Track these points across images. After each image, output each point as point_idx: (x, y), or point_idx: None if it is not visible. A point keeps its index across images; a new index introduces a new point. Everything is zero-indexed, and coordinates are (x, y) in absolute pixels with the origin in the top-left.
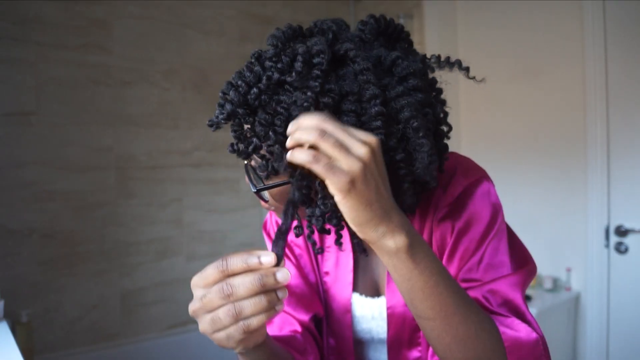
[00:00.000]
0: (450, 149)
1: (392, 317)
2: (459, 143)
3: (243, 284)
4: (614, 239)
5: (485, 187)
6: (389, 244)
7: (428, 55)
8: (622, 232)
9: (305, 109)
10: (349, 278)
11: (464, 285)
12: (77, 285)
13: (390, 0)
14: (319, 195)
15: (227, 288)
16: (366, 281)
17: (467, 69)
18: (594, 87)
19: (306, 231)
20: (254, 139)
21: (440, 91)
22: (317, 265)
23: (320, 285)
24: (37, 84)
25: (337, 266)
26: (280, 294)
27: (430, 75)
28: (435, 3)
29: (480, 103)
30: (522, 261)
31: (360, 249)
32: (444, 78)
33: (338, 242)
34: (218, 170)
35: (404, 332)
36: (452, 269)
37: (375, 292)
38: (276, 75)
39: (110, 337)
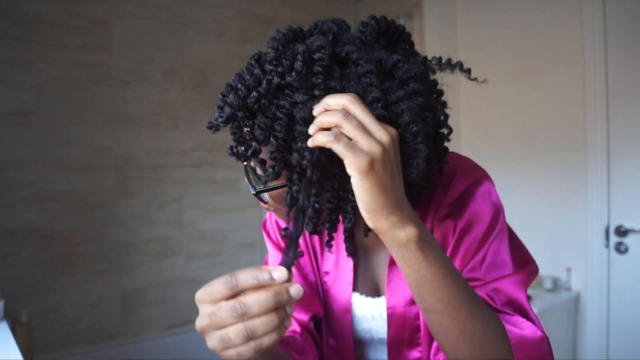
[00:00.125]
0: (450, 149)
1: (392, 317)
2: (459, 143)
3: (257, 302)
4: (614, 239)
5: (486, 187)
6: (399, 234)
7: (429, 57)
8: (622, 232)
9: (308, 107)
10: (349, 278)
11: None
12: (77, 285)
13: (390, 1)
14: (313, 198)
15: (240, 307)
16: (366, 281)
17: (468, 71)
18: (594, 87)
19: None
20: (253, 143)
21: (441, 93)
22: (316, 265)
23: (320, 285)
24: (37, 84)
25: (337, 266)
26: (289, 309)
27: (431, 77)
28: (435, 3)
29: (481, 103)
30: (523, 261)
31: (350, 252)
32: (444, 80)
33: (328, 245)
34: (218, 170)
35: (404, 332)
36: None
37: (375, 292)
38: (276, 79)
39: (110, 337)
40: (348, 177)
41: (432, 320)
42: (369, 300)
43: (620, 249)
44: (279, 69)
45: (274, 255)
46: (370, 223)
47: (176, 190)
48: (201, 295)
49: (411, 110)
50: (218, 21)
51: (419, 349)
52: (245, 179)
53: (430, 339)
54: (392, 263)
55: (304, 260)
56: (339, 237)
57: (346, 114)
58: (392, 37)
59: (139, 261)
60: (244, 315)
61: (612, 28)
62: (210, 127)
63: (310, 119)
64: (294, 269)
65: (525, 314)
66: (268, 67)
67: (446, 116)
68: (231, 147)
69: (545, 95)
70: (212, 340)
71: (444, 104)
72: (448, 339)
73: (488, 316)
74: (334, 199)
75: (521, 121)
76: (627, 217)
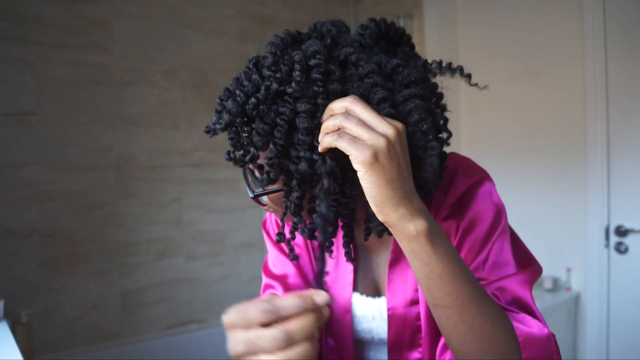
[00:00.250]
0: (451, 150)
1: (392, 317)
2: (459, 143)
3: (301, 330)
4: (614, 239)
5: (487, 187)
6: (409, 226)
7: (429, 61)
8: (622, 232)
9: (310, 117)
10: (349, 278)
11: None
12: (77, 285)
13: (390, 1)
14: (311, 204)
15: (284, 336)
16: (366, 281)
17: (468, 76)
18: (594, 87)
19: (289, 236)
20: (252, 149)
21: (440, 97)
22: (316, 265)
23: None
24: (37, 84)
25: (337, 266)
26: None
27: (432, 80)
28: (435, 3)
29: (480, 103)
30: (526, 261)
31: (350, 257)
32: (444, 84)
33: (328, 250)
34: (218, 170)
35: (404, 333)
36: None
37: (375, 292)
38: (275, 86)
39: (110, 337)
40: (348, 182)
41: (441, 316)
42: (370, 300)
43: (620, 249)
44: (277, 75)
45: (274, 254)
46: (379, 216)
47: (176, 190)
48: (234, 320)
49: (420, 109)
50: (218, 21)
51: (420, 349)
52: (244, 182)
53: (432, 340)
54: (392, 263)
55: (304, 260)
56: (339, 238)
57: (347, 114)
58: (391, 39)
59: (139, 261)
60: (288, 344)
61: (612, 28)
62: (208, 132)
63: (313, 128)
64: (294, 269)
65: (531, 313)
66: (266, 72)
67: (446, 120)
68: (228, 152)
69: (545, 95)
70: None
71: (444, 108)
72: (456, 334)
73: (496, 312)
74: (334, 204)
75: (521, 121)
76: (627, 217)
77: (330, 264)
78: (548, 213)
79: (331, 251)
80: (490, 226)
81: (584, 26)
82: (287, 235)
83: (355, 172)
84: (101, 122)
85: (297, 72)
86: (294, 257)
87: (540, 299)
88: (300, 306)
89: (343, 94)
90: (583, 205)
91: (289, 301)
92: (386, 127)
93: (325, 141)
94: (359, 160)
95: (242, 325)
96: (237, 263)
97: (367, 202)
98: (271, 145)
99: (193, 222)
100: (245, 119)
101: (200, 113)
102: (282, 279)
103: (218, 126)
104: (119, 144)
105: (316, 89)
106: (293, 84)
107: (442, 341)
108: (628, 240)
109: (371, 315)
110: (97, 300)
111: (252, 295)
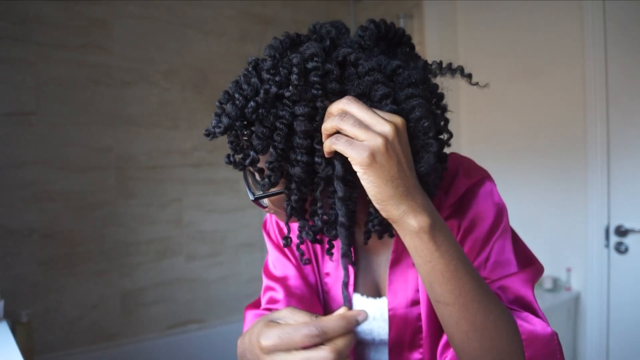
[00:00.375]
0: (451, 150)
1: (393, 318)
2: (459, 143)
3: (347, 347)
4: (614, 239)
5: (488, 187)
6: (411, 223)
7: (429, 62)
8: (622, 232)
9: (308, 120)
10: (349, 280)
11: None
12: (77, 285)
13: (390, 0)
14: (312, 207)
15: (336, 357)
16: (367, 282)
17: (469, 76)
18: (594, 87)
19: (296, 240)
20: (251, 152)
21: (441, 97)
22: (317, 266)
23: (320, 287)
24: (37, 84)
25: (338, 267)
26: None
27: (432, 81)
28: (435, 3)
29: (480, 103)
30: (528, 260)
31: (351, 260)
32: (445, 84)
33: (329, 252)
34: (218, 170)
35: (405, 334)
36: None
37: (376, 292)
38: (274, 89)
39: (110, 337)
40: (349, 184)
41: (443, 312)
42: (370, 301)
43: (620, 249)
44: (277, 78)
45: (274, 256)
46: (382, 213)
47: (176, 190)
48: (276, 345)
49: (422, 107)
50: (218, 21)
51: (420, 350)
52: (244, 185)
53: (433, 341)
54: (393, 264)
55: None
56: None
57: (342, 115)
58: (391, 40)
59: (139, 261)
60: None
61: (612, 28)
62: (207, 135)
63: (311, 131)
64: (294, 271)
65: (534, 312)
66: (265, 75)
67: (446, 121)
68: (228, 156)
69: (545, 95)
70: None
71: (445, 109)
72: (458, 332)
73: (500, 311)
74: (334, 207)
75: (521, 121)
76: (627, 217)
77: (330, 265)
78: (548, 213)
79: (331, 254)
80: (491, 226)
81: (584, 26)
82: (295, 240)
83: (355, 173)
84: (101, 122)
85: (294, 76)
86: (305, 262)
87: (540, 299)
88: (346, 328)
89: (342, 93)
90: (583, 205)
91: (334, 323)
92: (383, 125)
93: (325, 145)
94: (356, 162)
95: (284, 349)
96: (237, 263)
97: (367, 204)
98: (271, 149)
99: (193, 222)
100: (245, 123)
101: (200, 113)
102: (282, 281)
103: (217, 130)
104: (119, 144)
105: (314, 92)
106: (291, 87)
107: (443, 340)
108: (628, 240)
109: (372, 316)
110: (97, 300)
111: (252, 295)
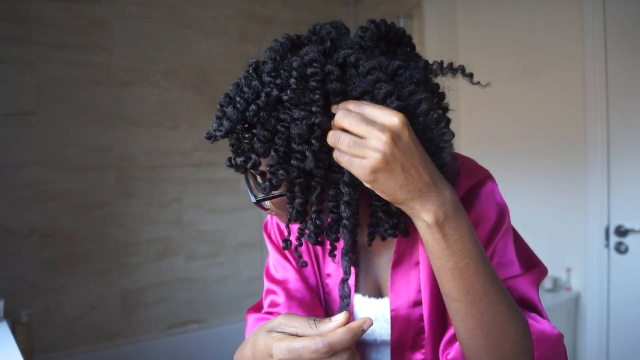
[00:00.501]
0: None
1: (395, 319)
2: (459, 143)
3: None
4: (614, 239)
5: (489, 187)
6: (422, 219)
7: (430, 62)
8: (622, 232)
9: (306, 125)
10: (351, 280)
11: None
12: (77, 285)
13: (390, 0)
14: (314, 209)
15: None
16: (368, 282)
17: (470, 76)
18: (594, 87)
19: (295, 243)
20: (253, 155)
21: (442, 97)
22: (318, 267)
23: (321, 288)
24: (37, 84)
25: (339, 268)
26: None
27: (433, 81)
28: (435, 3)
29: (480, 103)
30: (531, 262)
31: (352, 262)
32: (444, 84)
33: (331, 254)
34: (218, 170)
35: (408, 334)
36: None
37: (377, 293)
38: (275, 92)
39: (110, 337)
40: (354, 188)
41: (450, 306)
42: (372, 301)
43: (620, 249)
44: (278, 81)
45: (274, 258)
46: (397, 206)
47: (176, 190)
48: (287, 359)
49: (428, 100)
50: (218, 21)
51: (423, 351)
52: (247, 187)
53: (435, 341)
54: (395, 264)
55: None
56: (341, 239)
57: (337, 136)
58: (392, 40)
59: (139, 261)
60: None
61: (612, 28)
62: (209, 138)
63: (306, 135)
64: (295, 274)
65: (538, 314)
66: (266, 78)
67: (448, 121)
68: (229, 159)
69: (545, 95)
70: None
71: (446, 108)
72: (464, 327)
73: (512, 312)
74: (336, 209)
75: (521, 121)
76: (627, 217)
77: (331, 266)
78: (548, 213)
79: (334, 255)
80: (493, 226)
81: (584, 26)
82: (294, 242)
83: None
84: (101, 122)
85: (293, 80)
86: (302, 264)
87: (541, 299)
88: (353, 340)
89: (343, 93)
90: (583, 205)
91: (341, 337)
92: (378, 139)
93: (335, 157)
94: (361, 179)
95: None
96: (237, 263)
97: (369, 206)
98: (272, 152)
99: (193, 222)
100: (246, 126)
101: (200, 113)
102: (283, 284)
103: (218, 133)
104: (119, 144)
105: (312, 97)
106: (289, 91)
107: (446, 337)
108: (628, 240)
109: (373, 316)
110: (97, 300)
111: (252, 295)
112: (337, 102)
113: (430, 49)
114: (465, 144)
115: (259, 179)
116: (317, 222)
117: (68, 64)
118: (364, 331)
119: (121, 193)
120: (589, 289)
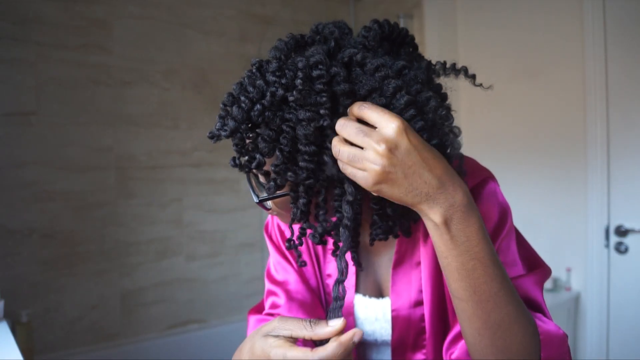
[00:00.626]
0: None
1: (396, 319)
2: None
3: None
4: (614, 239)
5: (491, 187)
6: (429, 219)
7: (433, 62)
8: (622, 232)
9: (315, 128)
10: (351, 280)
11: None
12: (77, 285)
13: (390, 0)
14: (320, 211)
15: None
16: (368, 282)
17: (473, 77)
18: (594, 87)
19: (296, 242)
20: (257, 155)
21: (445, 97)
22: (319, 267)
23: (322, 289)
24: (37, 84)
25: None
26: None
27: (436, 81)
28: (435, 3)
29: (480, 103)
30: (534, 262)
31: (356, 261)
32: (446, 85)
33: (334, 254)
34: (218, 170)
35: (408, 335)
36: None
37: (378, 293)
38: (280, 92)
39: (110, 337)
40: (358, 188)
41: (457, 305)
42: (373, 301)
43: (620, 249)
44: (283, 81)
45: (275, 259)
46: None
47: (176, 190)
48: None
49: (435, 98)
50: (218, 21)
51: (424, 351)
52: (249, 187)
53: (436, 342)
54: (396, 264)
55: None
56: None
57: (336, 149)
58: (395, 41)
59: (139, 261)
60: None
61: (612, 28)
62: (212, 137)
63: (311, 136)
64: (295, 275)
65: (543, 314)
66: (271, 78)
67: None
68: (233, 159)
69: (545, 95)
70: None
71: (449, 109)
72: (470, 327)
73: (520, 313)
74: (341, 209)
75: (521, 121)
76: (627, 217)
77: (332, 266)
78: (548, 213)
79: (336, 255)
80: (496, 226)
81: (584, 26)
82: (296, 242)
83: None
84: (101, 122)
85: (299, 80)
86: (301, 264)
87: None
88: (345, 353)
89: (352, 93)
90: (583, 205)
91: (332, 351)
92: (375, 155)
93: (340, 168)
94: (366, 188)
95: None
96: (237, 263)
97: (371, 208)
98: (277, 152)
99: (193, 222)
100: (250, 125)
101: (200, 113)
102: (283, 285)
103: (223, 133)
104: (119, 144)
105: (319, 99)
106: (295, 92)
107: (449, 336)
108: (628, 240)
109: (374, 316)
110: (97, 300)
111: (252, 295)
112: (346, 104)
113: (430, 49)
114: (465, 144)
115: (262, 179)
116: (323, 222)
117: (68, 64)
118: (355, 343)
119: (121, 193)
120: (589, 289)
